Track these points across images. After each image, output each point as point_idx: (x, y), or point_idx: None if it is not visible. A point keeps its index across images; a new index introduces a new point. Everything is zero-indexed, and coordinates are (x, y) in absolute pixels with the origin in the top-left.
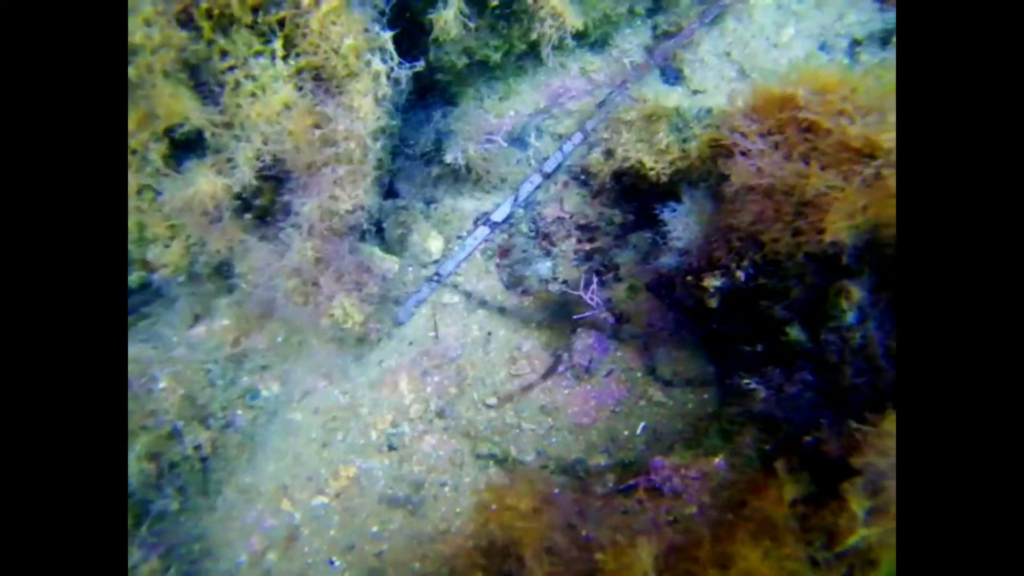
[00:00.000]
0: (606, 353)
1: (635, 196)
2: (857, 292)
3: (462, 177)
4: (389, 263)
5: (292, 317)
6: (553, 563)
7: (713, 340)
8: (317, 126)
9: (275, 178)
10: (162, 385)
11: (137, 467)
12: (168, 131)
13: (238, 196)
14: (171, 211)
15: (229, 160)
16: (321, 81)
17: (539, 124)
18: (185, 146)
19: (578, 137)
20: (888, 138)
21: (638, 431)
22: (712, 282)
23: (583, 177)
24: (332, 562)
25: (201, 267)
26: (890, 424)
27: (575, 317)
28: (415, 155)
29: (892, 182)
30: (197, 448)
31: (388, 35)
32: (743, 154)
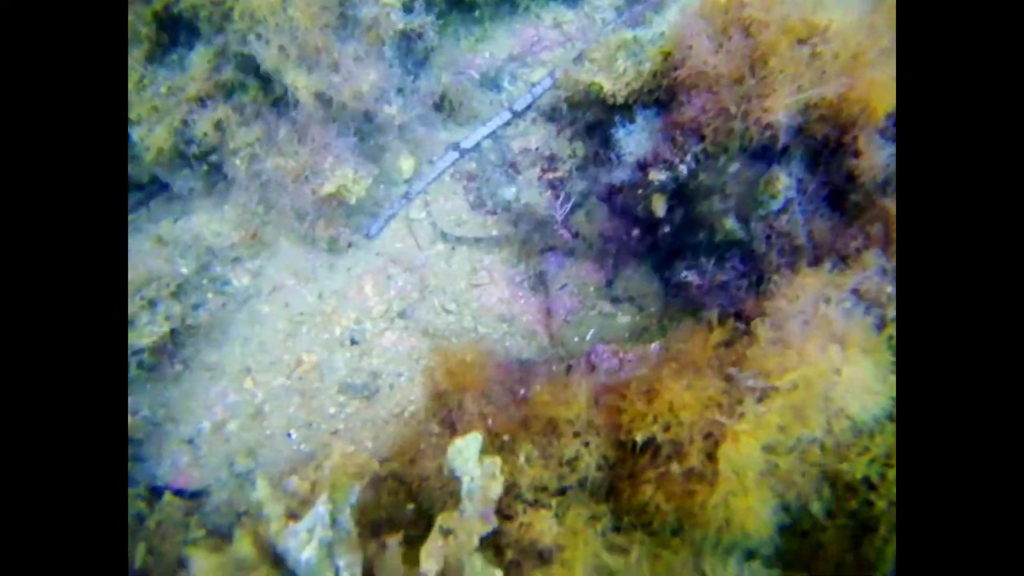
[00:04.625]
0: (562, 268)
1: (597, 132)
2: (784, 179)
3: (436, 108)
4: (371, 166)
5: (279, 200)
6: (491, 407)
7: (662, 257)
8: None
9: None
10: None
11: None
12: (158, 13)
13: (225, 84)
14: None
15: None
16: None
17: (513, 71)
18: (175, 27)
19: (548, 81)
20: (825, 18)
21: (587, 337)
22: (657, 175)
23: (550, 114)
24: (290, 435)
25: (188, 150)
26: (802, 277)
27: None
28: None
29: (825, 61)
30: (167, 319)
31: None
32: (689, 47)
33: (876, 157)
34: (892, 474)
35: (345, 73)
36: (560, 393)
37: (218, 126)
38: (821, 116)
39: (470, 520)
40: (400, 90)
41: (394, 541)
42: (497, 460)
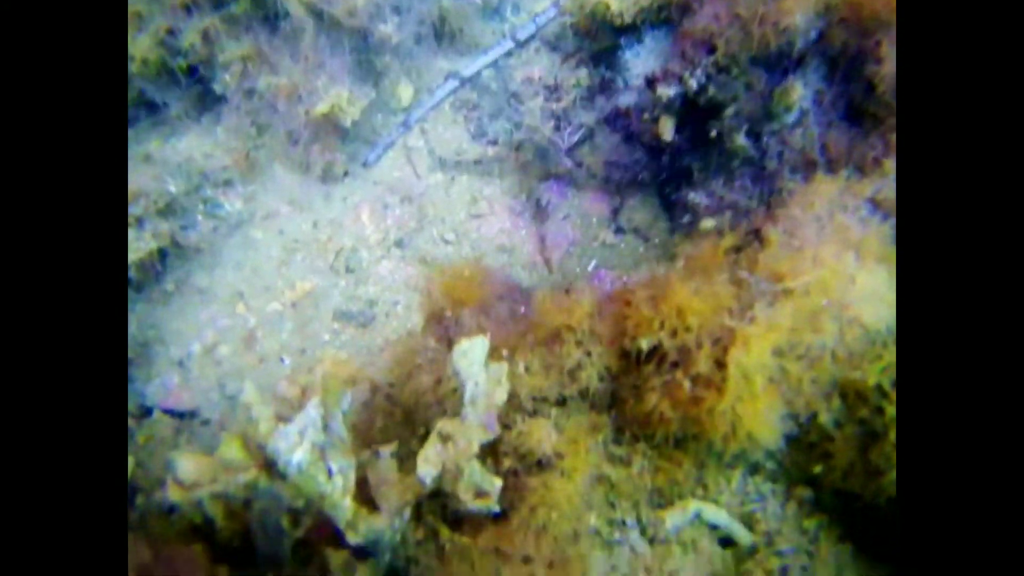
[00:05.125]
0: (564, 198)
1: (603, 58)
2: (800, 89)
3: (437, 35)
4: (368, 88)
5: (271, 123)
6: (490, 322)
7: (668, 183)
8: None
9: None
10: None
11: None
12: None
13: None
14: None
15: None
16: None
17: (517, 2)
18: None
19: (552, 11)
20: None
21: (589, 268)
22: (664, 91)
23: (554, 43)
24: (283, 360)
25: (175, 62)
26: (817, 184)
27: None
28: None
29: None
30: (155, 236)
31: None
32: None
33: (894, 66)
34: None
35: None
36: (562, 301)
37: (206, 37)
38: (842, 19)
39: (471, 426)
40: (396, 8)
41: (387, 450)
42: (504, 365)
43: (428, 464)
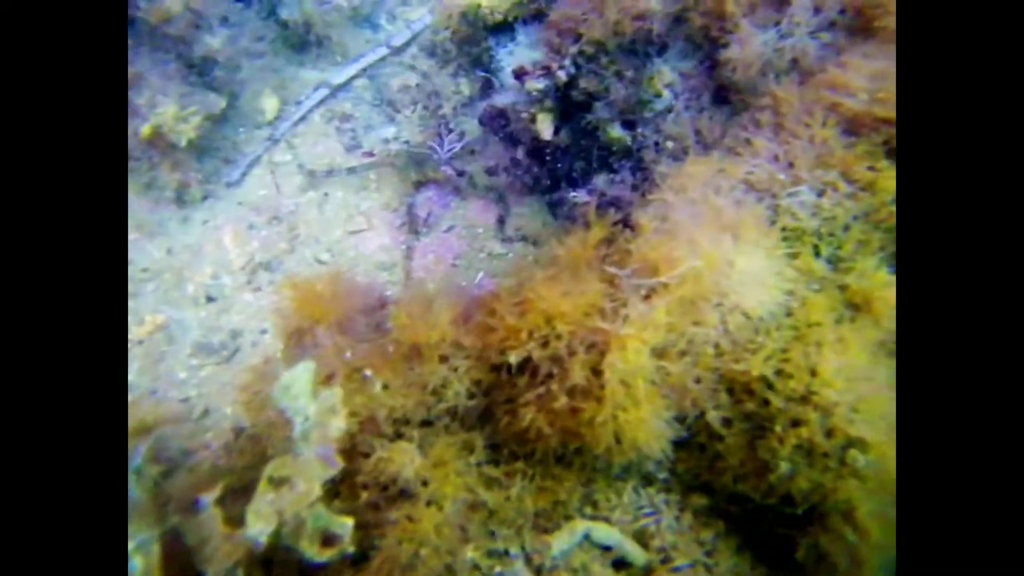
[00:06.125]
0: (447, 209)
1: (481, 62)
2: (667, 73)
3: (304, 44)
4: (217, 98)
5: None
6: (349, 339)
7: (552, 184)
8: None
9: None
10: None
11: None
12: None
13: None
14: None
15: None
16: None
17: (391, 9)
18: None
19: (428, 17)
20: None
21: (476, 280)
22: (534, 84)
23: (431, 49)
24: None
25: None
26: (688, 166)
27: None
28: (250, 18)
29: None
30: None
31: None
32: None
33: (753, 45)
34: (788, 368)
35: None
36: (420, 313)
37: None
38: (696, 1)
39: (307, 464)
40: (225, 19)
41: (209, 497)
42: (336, 391)
43: (260, 519)
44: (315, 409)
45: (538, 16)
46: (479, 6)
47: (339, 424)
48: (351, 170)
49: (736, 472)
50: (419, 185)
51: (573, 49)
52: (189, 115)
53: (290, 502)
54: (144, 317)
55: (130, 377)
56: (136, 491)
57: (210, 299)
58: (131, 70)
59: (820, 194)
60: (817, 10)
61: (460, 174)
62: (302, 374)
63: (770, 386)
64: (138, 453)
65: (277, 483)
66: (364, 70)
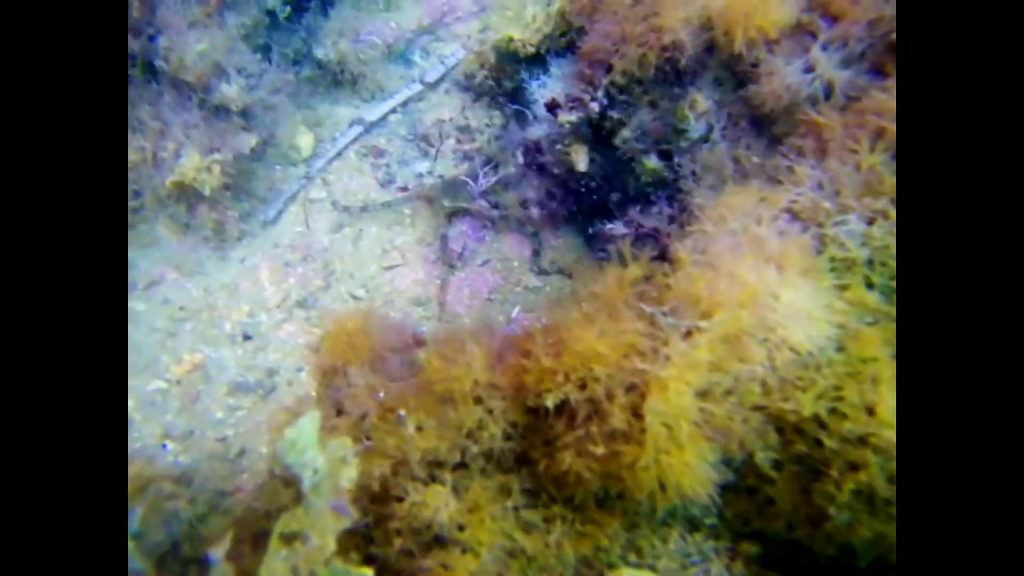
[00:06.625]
0: (482, 242)
1: (515, 95)
2: (702, 101)
3: (338, 82)
4: (248, 136)
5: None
6: (382, 378)
7: (587, 220)
8: None
9: None
10: None
11: None
12: None
13: None
14: None
15: None
16: None
17: (425, 45)
18: None
19: (461, 52)
20: None
21: (513, 315)
22: (566, 117)
23: (465, 83)
24: (164, 446)
25: None
26: (728, 196)
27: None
28: (287, 59)
29: None
30: None
31: None
32: None
33: (779, 78)
34: (843, 407)
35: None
36: (454, 355)
37: None
38: (725, 32)
39: (320, 517)
40: (240, 70)
41: (218, 552)
42: (346, 440)
43: None
44: (324, 461)
45: (570, 48)
46: (511, 39)
47: (351, 474)
48: (386, 204)
49: (789, 518)
50: (452, 217)
51: (605, 80)
52: (212, 164)
53: (304, 558)
54: (182, 356)
55: (167, 418)
56: (136, 559)
57: (247, 337)
58: (152, 122)
59: (870, 223)
60: (843, 43)
61: (495, 207)
62: (307, 426)
63: (823, 426)
64: (134, 515)
65: (289, 539)
66: (399, 106)
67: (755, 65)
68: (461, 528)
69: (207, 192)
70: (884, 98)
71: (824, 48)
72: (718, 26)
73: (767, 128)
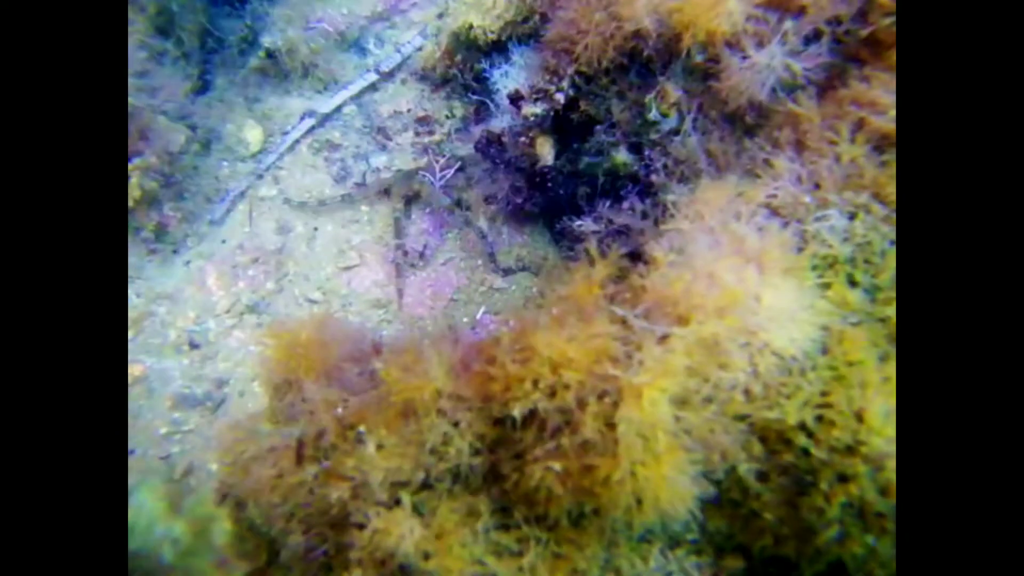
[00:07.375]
0: (443, 241)
1: (476, 84)
2: (672, 92)
3: (288, 72)
4: (175, 134)
5: None
6: (340, 392)
7: (554, 212)
8: None
9: None
10: None
11: None
12: None
13: None
14: None
15: None
16: None
17: (379, 32)
18: None
19: (418, 39)
20: None
21: (477, 316)
22: (531, 109)
23: (423, 72)
24: None
25: None
26: (703, 192)
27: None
28: (232, 46)
29: None
30: None
31: None
32: None
33: (738, 73)
34: (830, 415)
35: None
36: (413, 363)
37: None
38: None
39: None
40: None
41: None
42: (202, 494)
43: None
44: (182, 526)
45: (533, 36)
46: (471, 26)
47: (222, 527)
48: (345, 197)
49: (776, 532)
50: (408, 202)
51: (570, 70)
52: (131, 171)
53: None
54: None
55: None
56: None
57: (194, 346)
58: None
59: (852, 217)
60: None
61: (457, 203)
62: (143, 503)
63: (810, 434)
64: None
65: None
66: (353, 97)
67: (714, 60)
68: (427, 556)
69: (130, 203)
70: (863, 88)
71: (782, 43)
72: (670, 27)
73: (739, 120)
